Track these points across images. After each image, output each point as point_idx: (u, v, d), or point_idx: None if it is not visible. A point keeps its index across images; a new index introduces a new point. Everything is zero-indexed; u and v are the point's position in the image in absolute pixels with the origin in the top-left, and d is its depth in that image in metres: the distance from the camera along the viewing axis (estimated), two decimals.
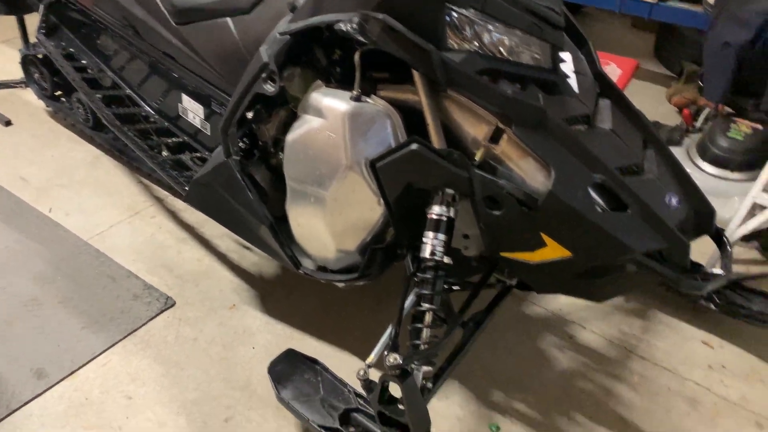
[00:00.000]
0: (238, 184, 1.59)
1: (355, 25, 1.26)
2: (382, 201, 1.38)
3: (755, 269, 2.05)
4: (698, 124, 2.46)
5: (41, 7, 2.23)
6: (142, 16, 1.91)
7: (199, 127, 1.96)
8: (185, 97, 1.94)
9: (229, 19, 1.72)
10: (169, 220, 2.20)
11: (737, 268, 2.07)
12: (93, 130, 2.45)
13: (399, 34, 1.23)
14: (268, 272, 1.99)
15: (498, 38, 1.29)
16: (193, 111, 1.94)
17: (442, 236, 1.29)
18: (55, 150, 2.50)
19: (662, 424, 1.56)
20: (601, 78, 1.43)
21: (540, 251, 1.26)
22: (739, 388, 1.66)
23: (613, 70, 2.33)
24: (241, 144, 1.61)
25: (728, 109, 2.42)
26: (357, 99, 1.36)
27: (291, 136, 1.46)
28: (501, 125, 1.25)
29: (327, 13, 1.34)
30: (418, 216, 1.37)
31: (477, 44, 1.28)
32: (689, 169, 2.23)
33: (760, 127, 2.23)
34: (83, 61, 2.18)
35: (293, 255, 1.60)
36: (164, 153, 2.04)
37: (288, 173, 1.50)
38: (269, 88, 1.44)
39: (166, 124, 2.05)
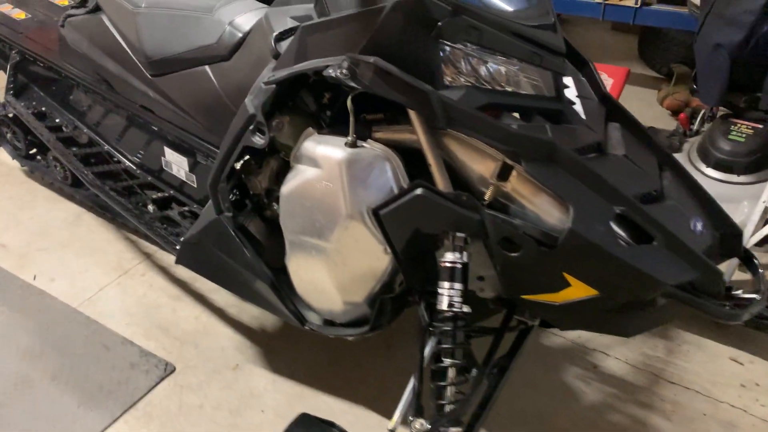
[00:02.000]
0: (233, 241, 1.50)
1: (345, 71, 1.18)
2: (388, 249, 1.30)
3: None
4: (695, 127, 2.40)
5: (8, 67, 2.13)
6: (115, 69, 1.83)
7: (184, 179, 1.86)
8: (168, 150, 1.85)
9: (207, 68, 1.63)
10: (160, 277, 2.10)
11: None
12: (73, 188, 2.36)
13: (392, 77, 1.15)
14: (271, 326, 1.89)
15: (496, 70, 1.22)
16: (176, 164, 1.85)
17: (458, 285, 1.21)
18: (33, 211, 2.39)
19: None
20: (606, 100, 1.36)
21: (564, 291, 1.18)
22: None
23: (605, 80, 2.26)
24: (231, 196, 1.52)
25: (724, 110, 2.37)
26: (353, 145, 1.28)
27: (286, 189, 1.37)
28: (509, 161, 1.17)
29: (312, 58, 1.27)
30: (429, 261, 1.29)
31: (474, 78, 1.21)
32: (693, 175, 2.17)
33: (760, 126, 2.17)
34: (57, 120, 2.09)
35: (297, 310, 1.51)
36: (150, 207, 1.95)
37: (285, 226, 1.41)
38: (258, 140, 1.36)
39: (150, 178, 1.95)
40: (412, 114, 1.23)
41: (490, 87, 1.22)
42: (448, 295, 1.20)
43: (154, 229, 1.79)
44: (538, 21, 1.23)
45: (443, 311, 1.21)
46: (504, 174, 1.19)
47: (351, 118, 1.27)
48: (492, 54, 1.21)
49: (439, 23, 1.16)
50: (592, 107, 1.31)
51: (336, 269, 1.37)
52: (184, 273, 2.10)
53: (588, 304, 1.18)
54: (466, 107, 1.16)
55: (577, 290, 1.17)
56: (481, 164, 1.21)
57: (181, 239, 1.61)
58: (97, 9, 1.86)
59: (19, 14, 2.19)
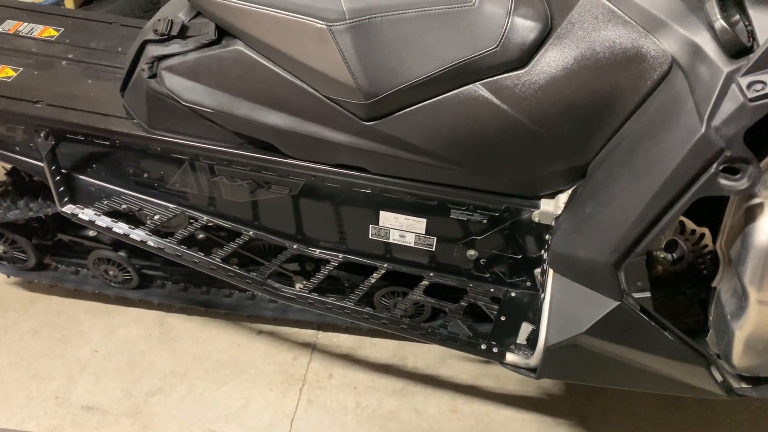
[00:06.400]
0: (647, 328, 1.05)
1: None
2: None
3: None
4: None
5: (47, 170, 1.32)
6: (286, 123, 1.18)
7: (412, 245, 1.32)
8: (385, 215, 1.28)
9: (478, 87, 1.09)
10: (357, 370, 1.56)
11: None
12: (143, 291, 1.66)
13: None
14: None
15: None
16: (401, 228, 1.30)
17: None
18: (89, 340, 1.63)
19: None
20: None
21: None
22: None
23: None
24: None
25: None
26: None
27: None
28: None
29: None
30: None
31: None
32: None
33: None
34: (155, 217, 1.36)
35: (725, 380, 1.12)
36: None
37: (762, 286, 0.99)
38: (736, 184, 0.89)
39: (341, 257, 1.37)
40: None
41: None
42: None
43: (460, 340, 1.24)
44: None
45: None
46: None
47: None
48: None
49: None
50: None
51: None
52: (380, 353, 1.58)
53: None
54: None
55: None
56: None
57: (545, 347, 1.11)
58: (220, 39, 1.16)
59: (3, 72, 1.37)
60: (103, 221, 1.31)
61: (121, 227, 1.31)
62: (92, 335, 1.66)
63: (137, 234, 1.31)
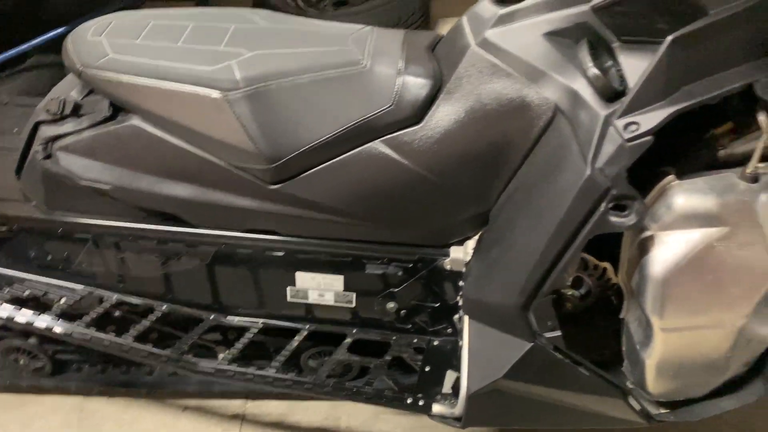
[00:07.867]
0: (563, 367, 1.07)
1: None
2: None
3: None
4: None
5: None
6: (190, 194, 1.17)
7: (333, 303, 1.31)
8: (302, 275, 1.27)
9: (379, 144, 1.11)
10: None
11: None
12: (58, 377, 1.58)
13: None
14: None
15: None
16: (319, 288, 1.29)
17: None
18: None
19: None
20: None
21: None
22: None
23: None
24: None
25: None
26: (754, 179, 0.94)
27: (662, 268, 0.98)
28: None
29: (693, 78, 0.89)
30: None
31: None
32: None
33: None
34: (62, 300, 1.31)
35: (644, 408, 1.15)
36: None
37: (663, 314, 1.03)
38: (625, 220, 0.94)
39: (260, 322, 1.35)
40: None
41: None
42: None
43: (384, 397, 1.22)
44: None
45: None
46: None
47: (761, 142, 0.92)
48: None
49: None
50: None
51: (740, 337, 1.05)
52: (312, 416, 1.55)
53: None
54: None
55: None
56: None
57: (467, 395, 1.11)
58: (115, 114, 1.15)
59: None
60: (4, 310, 1.25)
61: (24, 315, 1.25)
62: None
63: (42, 320, 1.25)
